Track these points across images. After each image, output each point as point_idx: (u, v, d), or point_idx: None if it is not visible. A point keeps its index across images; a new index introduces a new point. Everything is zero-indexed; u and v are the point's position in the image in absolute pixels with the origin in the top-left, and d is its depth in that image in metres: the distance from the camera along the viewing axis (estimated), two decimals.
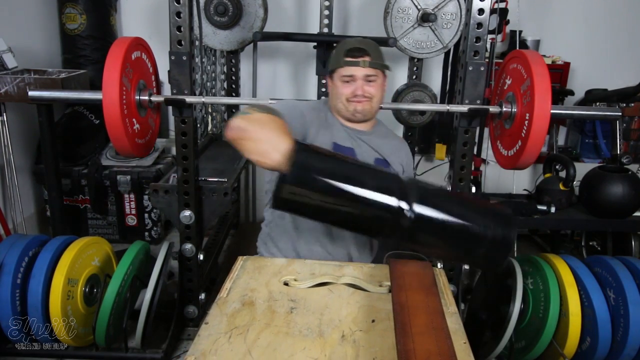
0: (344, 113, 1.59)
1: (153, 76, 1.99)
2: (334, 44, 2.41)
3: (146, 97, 1.83)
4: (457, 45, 2.36)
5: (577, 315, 1.71)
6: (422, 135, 3.10)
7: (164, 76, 1.97)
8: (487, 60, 1.89)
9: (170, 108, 1.94)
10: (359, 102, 1.55)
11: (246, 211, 3.36)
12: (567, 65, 3.01)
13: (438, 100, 2.58)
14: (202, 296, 2.09)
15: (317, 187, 1.00)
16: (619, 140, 2.48)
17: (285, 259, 1.38)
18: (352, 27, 3.11)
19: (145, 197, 2.79)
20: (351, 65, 1.52)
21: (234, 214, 3.14)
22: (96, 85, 2.43)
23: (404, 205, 1.03)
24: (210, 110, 2.79)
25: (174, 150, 2.62)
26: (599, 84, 3.05)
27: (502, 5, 2.48)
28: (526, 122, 1.72)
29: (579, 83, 3.13)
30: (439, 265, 1.73)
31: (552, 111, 1.67)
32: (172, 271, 2.28)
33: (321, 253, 1.60)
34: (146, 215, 2.86)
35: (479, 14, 1.76)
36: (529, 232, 3.23)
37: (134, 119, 1.81)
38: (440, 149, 2.68)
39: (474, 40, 1.78)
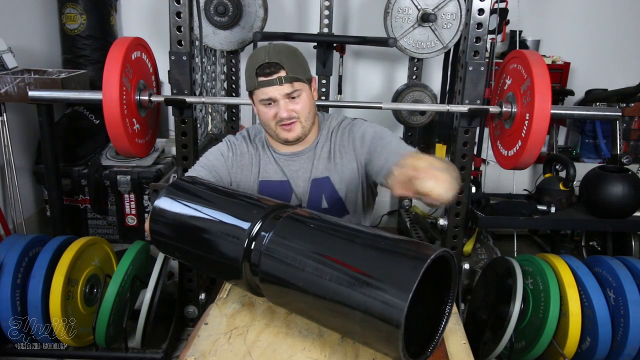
0: (276, 139, 1.42)
1: (153, 76, 1.99)
2: (334, 44, 2.41)
3: (146, 97, 1.83)
4: (457, 45, 2.36)
5: (577, 315, 1.71)
6: (422, 135, 3.09)
7: (164, 76, 1.97)
8: (487, 60, 1.89)
9: (170, 108, 1.95)
10: (287, 130, 1.36)
11: None
12: (567, 65, 3.01)
13: (438, 100, 2.58)
14: (202, 296, 2.09)
15: (166, 252, 1.29)
16: (619, 140, 2.48)
17: None
18: (352, 27, 3.11)
19: (146, 197, 2.78)
20: (266, 85, 1.29)
21: None
22: (96, 85, 2.43)
23: (246, 265, 1.01)
24: (210, 110, 2.79)
25: (174, 150, 2.62)
26: (599, 84, 3.05)
27: (502, 5, 2.48)
28: (526, 122, 1.72)
29: (579, 83, 3.13)
30: None
31: (552, 111, 1.67)
32: (172, 271, 2.28)
33: None
34: (146, 215, 2.86)
35: (479, 14, 1.76)
36: (529, 232, 3.23)
37: (134, 119, 1.81)
38: (440, 149, 2.68)
39: (474, 40, 1.78)
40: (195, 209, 1.11)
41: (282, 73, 1.28)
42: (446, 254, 0.88)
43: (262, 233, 1.00)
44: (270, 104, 1.33)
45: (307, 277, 0.90)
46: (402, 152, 1.25)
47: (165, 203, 1.15)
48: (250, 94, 1.37)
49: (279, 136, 1.38)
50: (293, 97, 1.32)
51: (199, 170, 1.44)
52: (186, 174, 1.43)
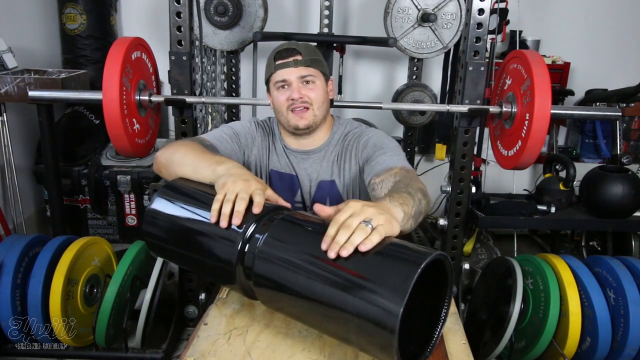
0: (287, 128, 1.42)
1: (153, 76, 1.99)
2: (334, 44, 2.41)
3: (146, 97, 1.83)
4: (457, 45, 2.36)
5: (577, 315, 1.71)
6: (422, 135, 3.10)
7: (164, 76, 1.97)
8: (487, 60, 1.89)
9: (170, 108, 1.95)
10: (299, 117, 1.36)
11: None
12: (567, 65, 3.01)
13: (438, 100, 2.58)
14: (202, 296, 2.09)
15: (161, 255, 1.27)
16: (619, 140, 2.48)
17: None
18: (352, 27, 3.11)
19: (145, 197, 2.78)
20: (282, 67, 1.34)
21: None
22: (96, 85, 2.43)
23: (239, 268, 0.99)
24: (210, 110, 2.79)
25: None
26: (599, 84, 3.05)
27: (502, 5, 2.48)
28: (526, 122, 1.72)
29: (579, 83, 3.13)
30: None
31: (552, 111, 1.67)
32: (172, 271, 2.28)
33: None
34: None
35: (479, 14, 1.76)
36: (529, 232, 3.23)
37: (134, 119, 1.81)
38: (440, 149, 2.68)
39: (474, 40, 1.78)
40: (189, 211, 1.09)
41: (298, 57, 1.34)
42: (441, 257, 0.87)
43: (256, 235, 0.98)
44: (284, 86, 1.36)
45: (300, 280, 0.89)
46: (389, 164, 1.27)
47: (158, 205, 1.13)
48: (268, 86, 1.41)
49: (290, 122, 1.38)
50: (307, 82, 1.35)
51: (220, 135, 1.41)
52: (205, 135, 1.40)
